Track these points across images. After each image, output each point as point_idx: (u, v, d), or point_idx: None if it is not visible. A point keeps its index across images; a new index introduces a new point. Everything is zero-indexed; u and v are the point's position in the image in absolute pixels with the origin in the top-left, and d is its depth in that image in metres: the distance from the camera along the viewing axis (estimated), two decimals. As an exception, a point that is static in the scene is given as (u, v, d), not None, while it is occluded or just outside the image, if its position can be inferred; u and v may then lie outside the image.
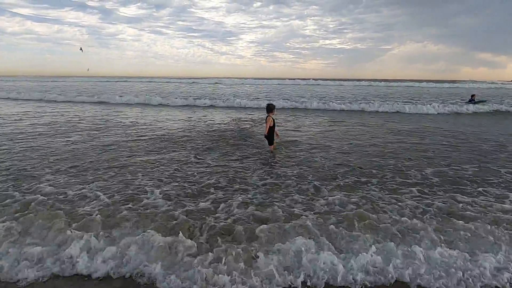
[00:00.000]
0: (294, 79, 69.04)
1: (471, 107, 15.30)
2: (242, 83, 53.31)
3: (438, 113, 14.45)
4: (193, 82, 56.58)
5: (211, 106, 16.84)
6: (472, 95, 18.31)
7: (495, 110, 15.39)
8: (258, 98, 21.08)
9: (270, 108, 6.73)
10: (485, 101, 18.04)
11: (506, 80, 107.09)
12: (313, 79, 65.31)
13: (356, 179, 5.04)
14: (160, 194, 4.35)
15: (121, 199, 4.17)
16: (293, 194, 4.39)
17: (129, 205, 3.95)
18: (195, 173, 5.28)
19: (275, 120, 6.78)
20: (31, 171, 5.30)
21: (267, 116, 6.72)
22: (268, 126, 6.64)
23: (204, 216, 3.70)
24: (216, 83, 54.71)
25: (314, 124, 10.81)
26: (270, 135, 6.76)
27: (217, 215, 3.75)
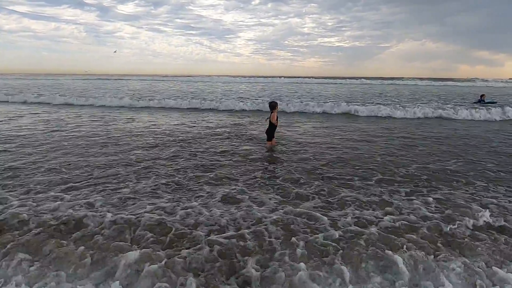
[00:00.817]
0: (292, 77, 67.76)
1: None
2: (239, 81, 52.21)
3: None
4: (188, 81, 55.43)
5: (195, 109, 15.70)
6: (482, 95, 17.35)
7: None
8: (248, 98, 19.91)
9: (272, 106, 6.89)
10: (495, 102, 17.05)
11: (504, 78, 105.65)
12: (314, 77, 64.13)
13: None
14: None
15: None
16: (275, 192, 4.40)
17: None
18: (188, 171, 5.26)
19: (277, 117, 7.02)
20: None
21: (271, 113, 6.82)
22: (277, 121, 6.90)
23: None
24: (212, 81, 53.58)
25: (312, 123, 9.97)
26: (270, 131, 6.97)
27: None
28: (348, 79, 61.52)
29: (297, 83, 48.65)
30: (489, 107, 14.32)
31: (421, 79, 67.95)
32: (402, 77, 72.24)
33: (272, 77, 70.14)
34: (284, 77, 68.86)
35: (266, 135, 7.09)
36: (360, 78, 69.56)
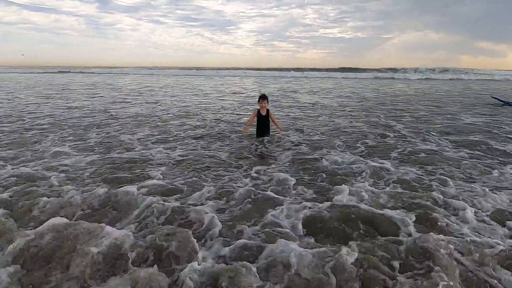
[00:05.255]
0: (294, 69, 62.32)
1: None
2: (233, 75, 47.32)
3: None
4: (188, 75, 50.63)
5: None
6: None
7: None
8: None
9: (259, 99, 6.62)
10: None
11: (508, 69, 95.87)
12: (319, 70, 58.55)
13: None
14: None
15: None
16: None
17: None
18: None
19: (269, 111, 6.51)
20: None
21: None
22: (250, 119, 6.79)
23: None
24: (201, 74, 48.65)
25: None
26: (258, 128, 6.50)
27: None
28: (353, 73, 56.04)
29: (298, 77, 43.70)
30: None
31: (432, 70, 61.19)
32: (403, 68, 64.03)
33: (273, 69, 64.55)
34: (281, 70, 63.39)
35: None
36: (365, 70, 63.44)
